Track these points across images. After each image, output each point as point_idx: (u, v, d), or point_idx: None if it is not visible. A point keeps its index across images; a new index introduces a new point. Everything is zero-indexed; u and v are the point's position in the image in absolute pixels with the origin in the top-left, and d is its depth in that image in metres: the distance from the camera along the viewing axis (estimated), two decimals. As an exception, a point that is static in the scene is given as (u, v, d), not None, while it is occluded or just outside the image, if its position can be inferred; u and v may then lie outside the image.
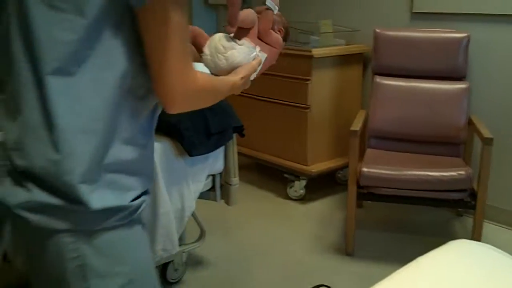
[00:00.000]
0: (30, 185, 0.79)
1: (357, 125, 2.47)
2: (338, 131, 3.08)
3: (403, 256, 1.97)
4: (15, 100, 0.80)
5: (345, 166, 3.03)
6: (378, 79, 2.76)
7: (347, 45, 3.10)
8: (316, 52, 2.85)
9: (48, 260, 0.84)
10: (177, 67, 0.82)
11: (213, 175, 2.14)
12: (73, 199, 0.79)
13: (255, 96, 3.13)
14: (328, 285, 2.11)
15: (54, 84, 0.77)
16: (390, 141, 2.72)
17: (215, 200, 2.19)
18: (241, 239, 2.60)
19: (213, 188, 2.17)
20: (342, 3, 3.28)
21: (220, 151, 2.10)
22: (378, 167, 2.33)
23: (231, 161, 2.15)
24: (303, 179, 3.02)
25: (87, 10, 0.76)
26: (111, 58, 0.80)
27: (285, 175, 3.09)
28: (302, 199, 3.05)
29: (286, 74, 2.95)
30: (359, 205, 2.86)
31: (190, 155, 1.93)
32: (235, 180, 2.16)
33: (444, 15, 2.80)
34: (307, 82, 2.89)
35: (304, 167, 2.98)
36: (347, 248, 2.44)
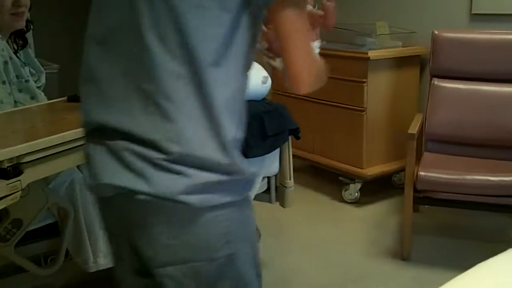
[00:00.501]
0: (189, 170, 0.86)
1: (414, 128, 2.44)
2: (394, 134, 3.04)
3: (460, 262, 1.92)
4: (151, 92, 0.85)
5: (401, 170, 2.99)
6: (437, 81, 2.71)
7: (403, 47, 3.06)
8: (372, 54, 2.83)
9: (194, 235, 0.90)
10: (304, 57, 0.95)
11: (268, 177, 2.17)
12: (232, 172, 0.90)
13: (310, 99, 3.14)
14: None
15: (211, 75, 0.86)
16: (447, 144, 2.66)
17: (270, 202, 2.21)
18: (295, 241, 2.62)
19: (268, 190, 2.20)
20: (398, 4, 3.24)
21: (276, 153, 2.12)
22: (435, 171, 2.29)
23: (286, 163, 2.17)
24: (358, 182, 3.00)
25: (230, 6, 0.86)
26: (243, 47, 0.90)
27: (340, 178, 3.08)
28: (357, 202, 3.03)
29: (342, 76, 2.94)
30: (415, 209, 2.81)
31: (246, 157, 1.95)
32: (290, 182, 2.18)
33: (504, 16, 2.72)
34: (363, 84, 2.87)
35: (360, 170, 2.96)
36: (403, 253, 2.41)
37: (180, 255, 0.91)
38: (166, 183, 0.85)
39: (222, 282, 0.94)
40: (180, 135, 0.85)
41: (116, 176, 0.87)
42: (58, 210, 1.68)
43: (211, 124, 0.87)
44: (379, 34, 3.05)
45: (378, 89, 2.94)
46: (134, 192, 0.86)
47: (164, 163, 0.85)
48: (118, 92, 0.89)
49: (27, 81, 1.76)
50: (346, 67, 2.90)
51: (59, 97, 1.84)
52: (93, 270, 1.72)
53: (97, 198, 0.99)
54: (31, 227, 1.61)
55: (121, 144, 0.87)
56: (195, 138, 0.86)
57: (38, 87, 1.84)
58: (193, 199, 0.86)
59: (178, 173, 0.85)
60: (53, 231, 1.71)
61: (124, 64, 0.89)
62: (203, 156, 0.86)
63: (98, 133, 0.90)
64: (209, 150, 0.87)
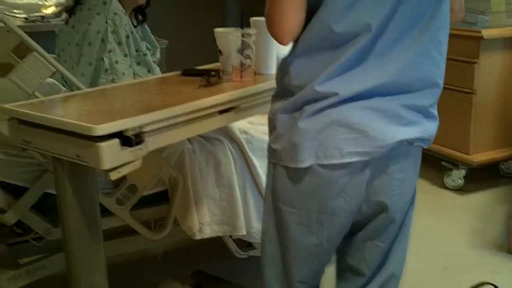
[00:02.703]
0: (424, 120, 1.11)
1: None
2: (506, 120, 2.87)
3: None
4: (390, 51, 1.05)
5: (510, 158, 2.83)
6: (558, 64, 2.52)
7: (522, 26, 2.86)
8: (486, 32, 2.67)
9: (412, 171, 1.19)
10: None
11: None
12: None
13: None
14: (494, 283, 2.00)
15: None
16: None
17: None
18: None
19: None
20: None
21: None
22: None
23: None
24: (463, 169, 2.87)
25: None
26: None
27: (443, 163, 2.97)
28: (460, 190, 2.91)
29: (450, 56, 2.78)
30: (525, 200, 2.66)
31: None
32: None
33: None
34: (474, 65, 2.73)
35: (465, 155, 2.83)
36: (510, 246, 2.29)
37: (409, 187, 1.19)
38: (432, 128, 1.13)
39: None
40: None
41: (399, 131, 1.07)
42: (169, 179, 1.76)
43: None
44: (494, 12, 2.87)
45: (491, 70, 2.77)
46: (411, 141, 1.10)
47: (430, 109, 1.11)
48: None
49: (145, 54, 1.85)
50: (456, 46, 2.75)
51: (167, 71, 1.94)
52: (198, 237, 1.79)
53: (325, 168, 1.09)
54: (144, 193, 1.70)
55: (394, 99, 1.07)
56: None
57: (154, 61, 1.93)
58: None
59: (434, 118, 1.13)
60: (163, 198, 1.80)
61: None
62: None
63: (357, 98, 1.05)
64: None
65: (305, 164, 1.07)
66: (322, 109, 1.06)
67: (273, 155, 1.14)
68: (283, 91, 1.13)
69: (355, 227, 1.19)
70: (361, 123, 1.05)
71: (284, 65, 1.13)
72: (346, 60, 1.04)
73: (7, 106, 1.33)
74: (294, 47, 1.12)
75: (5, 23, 1.56)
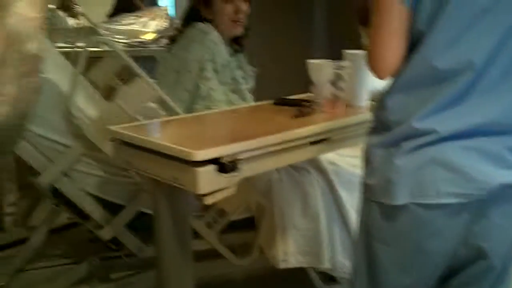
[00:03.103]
0: None
1: None
2: None
3: None
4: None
5: None
6: None
7: None
8: None
9: None
10: None
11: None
12: None
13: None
14: None
15: None
16: None
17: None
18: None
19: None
20: None
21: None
22: None
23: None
24: None
25: None
26: None
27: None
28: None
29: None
30: None
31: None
32: None
33: None
34: None
35: None
36: None
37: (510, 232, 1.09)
38: None
39: None
40: None
41: (502, 174, 1.02)
42: (256, 206, 1.78)
43: None
44: None
45: None
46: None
47: None
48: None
49: (240, 83, 1.91)
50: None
51: (255, 98, 2.00)
52: (282, 267, 1.79)
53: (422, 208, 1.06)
54: (232, 218, 1.74)
55: (498, 140, 1.02)
56: None
57: (247, 90, 1.98)
58: None
59: None
60: (249, 224, 1.83)
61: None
62: None
63: (457, 137, 1.02)
64: None
65: (400, 201, 1.05)
66: (420, 147, 1.04)
67: (367, 190, 1.13)
68: (379, 125, 1.12)
69: (450, 271, 1.14)
70: (461, 164, 1.02)
71: (381, 100, 1.12)
72: (446, 97, 1.02)
73: (112, 128, 1.41)
74: (393, 82, 1.11)
75: (113, 49, 1.67)
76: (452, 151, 1.02)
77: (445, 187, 1.02)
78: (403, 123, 1.05)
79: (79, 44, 2.11)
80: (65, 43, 3.52)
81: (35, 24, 0.28)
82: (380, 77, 1.11)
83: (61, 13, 3.89)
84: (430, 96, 1.03)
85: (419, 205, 1.04)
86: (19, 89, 0.27)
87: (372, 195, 1.10)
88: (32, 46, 0.28)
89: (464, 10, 1.00)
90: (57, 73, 1.58)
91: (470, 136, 1.02)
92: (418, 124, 1.03)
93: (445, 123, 1.02)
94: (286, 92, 1.92)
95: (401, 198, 1.05)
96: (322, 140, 1.51)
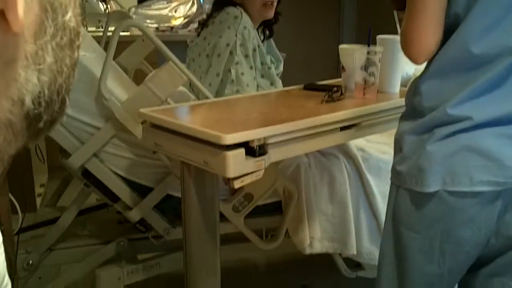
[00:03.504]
0: None
1: None
2: None
3: None
4: None
5: None
6: None
7: None
8: None
9: None
10: None
11: None
12: None
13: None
14: None
15: None
16: None
17: None
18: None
19: None
20: None
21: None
22: None
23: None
24: None
25: None
26: None
27: None
28: None
29: None
30: None
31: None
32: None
33: None
34: None
35: None
36: None
37: None
38: None
39: None
40: None
41: None
42: (283, 190, 1.78)
43: None
44: None
45: None
46: None
47: None
48: None
49: (269, 68, 1.90)
50: None
51: (282, 83, 1.99)
52: (307, 252, 1.80)
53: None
54: (259, 203, 1.74)
55: None
56: None
57: (277, 74, 1.97)
58: None
59: None
60: (276, 209, 1.83)
61: None
62: None
63: (493, 123, 1.00)
64: None
65: (431, 189, 1.04)
66: (454, 133, 1.02)
67: (397, 177, 1.11)
68: (412, 111, 1.10)
69: (481, 260, 1.12)
70: (495, 151, 1.00)
71: (415, 85, 1.10)
72: (483, 83, 1.00)
73: (142, 110, 1.42)
74: (427, 67, 1.09)
75: (145, 33, 1.68)
76: (486, 138, 1.01)
77: (479, 174, 1.01)
78: (437, 109, 1.03)
79: (110, 28, 2.13)
80: (96, 27, 3.56)
81: None
82: (416, 62, 1.09)
83: (92, -3, 3.94)
84: (466, 82, 1.01)
85: (451, 193, 1.03)
86: (57, 61, 0.27)
87: (403, 182, 1.09)
88: (70, 19, 0.28)
89: None
90: (88, 55, 1.59)
91: (505, 123, 1.00)
92: (453, 111, 1.01)
93: (480, 110, 1.00)
94: (315, 77, 1.90)
95: (433, 185, 1.04)
96: (351, 126, 1.50)
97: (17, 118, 0.32)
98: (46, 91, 0.34)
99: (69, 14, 0.34)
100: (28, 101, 0.33)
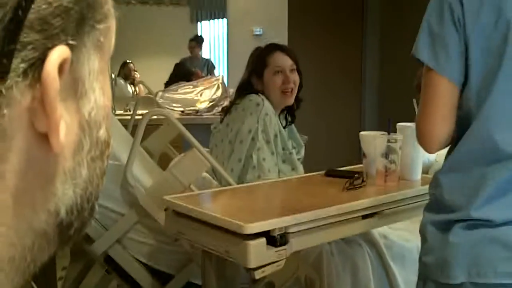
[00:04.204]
0: None
1: None
2: None
3: None
4: None
5: None
6: None
7: None
8: None
9: None
10: None
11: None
12: None
13: None
14: None
15: None
16: None
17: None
18: None
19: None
20: None
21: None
22: None
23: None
24: None
25: None
26: None
27: None
28: None
29: None
30: None
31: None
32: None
33: None
34: None
35: None
36: None
37: None
38: None
39: None
40: None
41: None
42: (305, 278, 1.75)
43: None
44: None
45: None
46: None
47: None
48: None
49: (290, 153, 1.93)
50: None
51: (304, 166, 2.01)
52: None
53: None
54: (281, 291, 1.71)
55: None
56: None
57: (298, 159, 2.00)
58: None
59: None
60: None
61: None
62: None
63: None
64: None
65: (457, 280, 1.02)
66: (477, 226, 1.01)
67: (423, 268, 1.10)
68: (435, 203, 1.11)
69: None
70: None
71: (436, 178, 1.11)
72: (506, 179, 1.00)
73: (166, 197, 1.45)
74: (446, 159, 1.10)
75: (171, 121, 1.73)
76: (509, 231, 1.00)
77: (503, 266, 0.99)
78: (460, 209, 1.03)
79: (138, 113, 2.20)
80: (124, 110, 3.69)
81: (105, 112, 0.31)
82: (429, 151, 1.13)
83: (121, 80, 4.11)
84: (488, 176, 1.01)
85: (476, 284, 1.01)
86: (89, 172, 0.29)
87: (429, 273, 1.08)
88: (102, 133, 0.30)
89: None
90: (115, 141, 1.64)
91: None
92: (476, 213, 1.01)
93: (503, 212, 1.00)
94: (337, 161, 1.92)
95: (458, 277, 1.02)
96: (373, 214, 1.49)
97: (51, 228, 0.34)
98: (79, 201, 0.36)
99: (103, 129, 0.37)
100: (63, 212, 0.35)
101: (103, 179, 0.39)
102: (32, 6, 0.29)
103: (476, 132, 1.03)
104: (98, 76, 0.35)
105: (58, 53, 0.30)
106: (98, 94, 0.36)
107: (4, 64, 0.28)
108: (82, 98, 0.34)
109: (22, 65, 0.29)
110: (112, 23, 0.36)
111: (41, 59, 0.30)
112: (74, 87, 0.33)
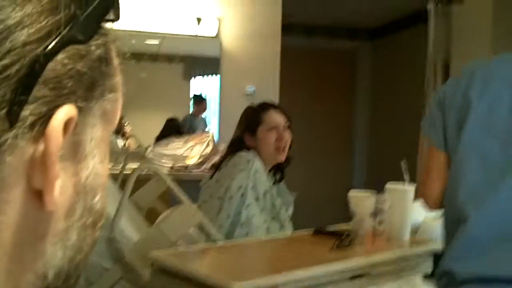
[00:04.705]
0: None
1: None
2: None
3: None
4: None
5: None
6: None
7: None
8: None
9: None
10: None
11: None
12: None
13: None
14: None
15: None
16: None
17: None
18: None
19: None
20: None
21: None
22: None
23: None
24: None
25: None
26: None
27: None
28: None
29: None
30: None
31: None
32: None
33: None
34: None
35: None
36: None
37: None
38: None
39: None
40: None
41: None
42: None
43: None
44: None
45: None
46: None
47: None
48: None
49: (279, 211, 1.92)
50: None
51: (293, 221, 2.00)
52: None
53: None
54: None
55: None
56: None
57: (287, 217, 1.99)
58: None
59: None
60: None
61: None
62: None
63: None
64: None
65: None
66: None
67: None
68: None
69: None
70: None
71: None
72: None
73: (152, 254, 1.43)
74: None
75: (161, 177, 1.74)
76: None
77: None
78: None
79: (127, 167, 2.20)
80: (112, 165, 3.68)
81: (102, 181, 0.31)
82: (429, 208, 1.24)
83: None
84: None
85: None
86: (79, 239, 0.29)
87: None
88: (97, 201, 0.30)
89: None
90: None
91: None
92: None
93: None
94: (326, 218, 1.91)
95: None
96: (361, 276, 1.48)
97: None
98: (67, 267, 0.36)
99: (98, 197, 0.37)
100: (51, 275, 0.34)
101: (92, 250, 0.39)
102: (48, 64, 0.30)
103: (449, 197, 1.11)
104: (99, 143, 0.36)
105: (65, 111, 0.31)
106: (97, 161, 0.36)
107: (15, 111, 0.29)
108: (81, 162, 0.35)
109: (30, 117, 0.30)
110: (120, 96, 0.37)
111: (49, 115, 0.31)
112: (74, 150, 0.34)
